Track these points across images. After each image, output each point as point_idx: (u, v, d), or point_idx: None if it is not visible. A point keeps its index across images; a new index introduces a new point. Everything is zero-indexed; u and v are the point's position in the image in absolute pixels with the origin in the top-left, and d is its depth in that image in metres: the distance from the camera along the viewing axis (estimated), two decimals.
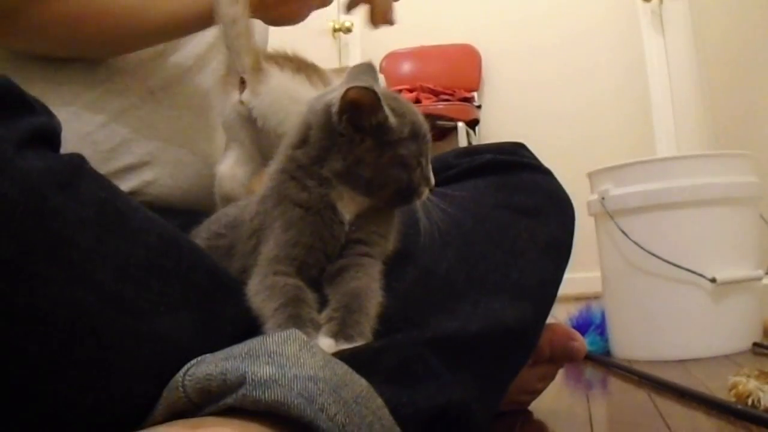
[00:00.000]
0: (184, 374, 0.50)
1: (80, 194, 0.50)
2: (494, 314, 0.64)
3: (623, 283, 1.43)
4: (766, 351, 1.30)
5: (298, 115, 0.62)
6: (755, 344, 1.34)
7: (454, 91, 3.18)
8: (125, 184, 0.77)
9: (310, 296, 0.56)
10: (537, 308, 0.70)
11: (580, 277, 1.37)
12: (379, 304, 0.57)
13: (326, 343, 0.53)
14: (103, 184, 0.54)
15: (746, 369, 0.92)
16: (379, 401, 0.51)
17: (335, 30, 3.09)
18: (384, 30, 0.92)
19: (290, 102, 0.73)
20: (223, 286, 0.59)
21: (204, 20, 0.77)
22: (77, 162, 0.52)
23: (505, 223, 0.71)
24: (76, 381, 0.48)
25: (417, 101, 3.02)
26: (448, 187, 0.67)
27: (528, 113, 3.24)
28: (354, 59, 3.02)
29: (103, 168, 0.73)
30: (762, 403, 0.84)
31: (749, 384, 0.86)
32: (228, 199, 0.77)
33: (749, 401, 0.85)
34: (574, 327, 1.33)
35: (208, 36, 0.86)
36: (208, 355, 0.51)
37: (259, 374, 0.47)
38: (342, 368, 0.50)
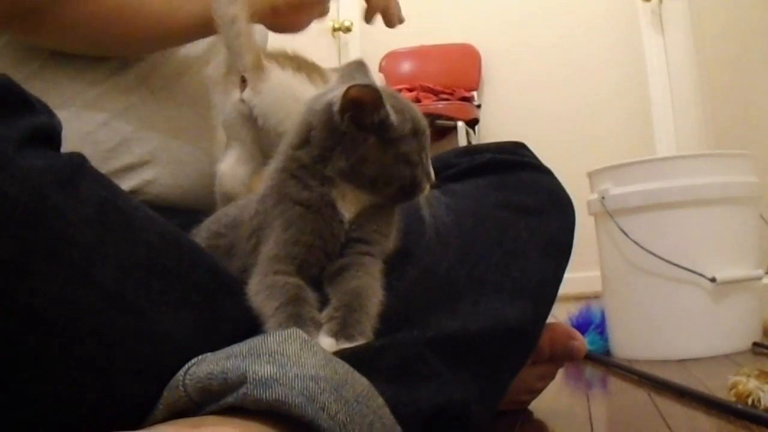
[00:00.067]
0: (185, 373, 0.50)
1: (81, 193, 0.50)
2: (495, 313, 0.64)
3: (623, 283, 1.43)
4: (765, 350, 1.30)
5: (296, 116, 0.62)
6: (755, 344, 1.34)
7: (454, 91, 3.18)
8: (126, 183, 0.77)
9: (311, 295, 0.56)
10: (537, 307, 0.70)
11: (579, 276, 1.37)
12: (380, 303, 0.57)
13: (327, 342, 0.53)
14: (103, 183, 0.54)
15: (746, 368, 0.92)
16: (380, 400, 0.51)
17: (335, 29, 3.09)
18: (384, 29, 0.92)
19: (291, 101, 0.73)
20: (223, 286, 0.59)
21: None
22: (78, 161, 0.52)
23: (505, 222, 0.71)
24: (77, 380, 0.48)
25: (417, 101, 3.01)
26: (448, 186, 0.68)
27: (528, 113, 3.23)
28: (354, 58, 3.02)
29: (103, 167, 0.73)
30: (762, 402, 0.84)
31: (749, 383, 0.86)
32: (228, 198, 0.77)
33: (749, 401, 0.85)
34: (574, 326, 1.33)
35: None
36: (208, 354, 0.51)
37: (260, 373, 0.47)
38: (343, 367, 0.50)
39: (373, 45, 3.10)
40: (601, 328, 1.50)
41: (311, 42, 0.98)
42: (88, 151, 0.55)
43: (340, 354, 0.52)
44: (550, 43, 3.26)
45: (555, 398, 1.04)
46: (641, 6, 2.89)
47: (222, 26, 0.75)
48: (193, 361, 0.51)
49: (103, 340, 0.49)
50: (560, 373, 1.01)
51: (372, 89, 0.55)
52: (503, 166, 0.76)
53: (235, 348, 0.50)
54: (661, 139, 2.84)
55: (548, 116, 3.20)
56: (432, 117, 2.96)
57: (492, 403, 0.67)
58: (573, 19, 3.25)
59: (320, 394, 0.47)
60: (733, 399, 0.87)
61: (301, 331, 0.51)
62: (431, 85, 3.16)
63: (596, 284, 1.55)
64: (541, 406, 0.97)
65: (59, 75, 0.77)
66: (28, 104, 0.51)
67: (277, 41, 0.88)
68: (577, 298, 1.78)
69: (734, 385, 0.88)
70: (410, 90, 3.09)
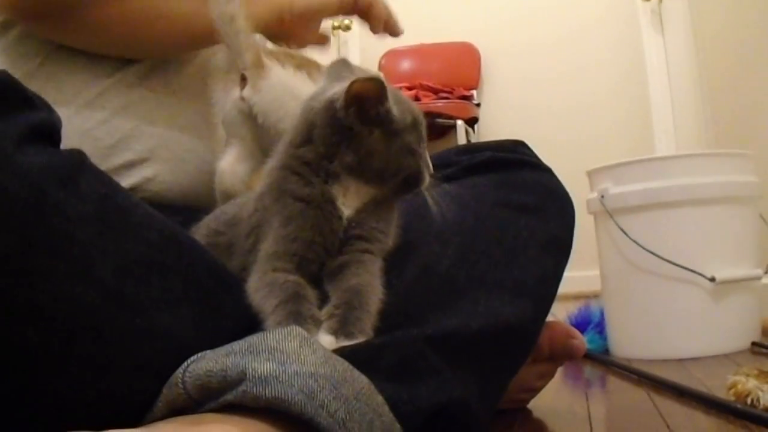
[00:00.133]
0: (184, 370, 0.50)
1: (80, 190, 0.50)
2: (494, 312, 0.64)
3: (622, 282, 1.43)
4: (765, 350, 1.30)
5: (294, 116, 0.62)
6: (754, 343, 1.34)
7: (454, 89, 3.18)
8: (125, 180, 0.77)
9: (310, 293, 0.56)
10: (537, 306, 0.70)
11: (579, 275, 1.37)
12: (380, 301, 0.57)
13: (327, 340, 0.53)
14: (103, 180, 0.54)
15: (745, 368, 0.92)
16: (380, 398, 0.51)
17: (334, 28, 3.09)
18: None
19: (291, 98, 0.73)
20: (223, 283, 0.59)
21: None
22: (77, 158, 0.52)
23: (505, 220, 0.71)
24: (76, 377, 0.48)
25: (416, 99, 3.01)
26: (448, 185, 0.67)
27: (527, 111, 3.23)
28: (353, 57, 3.02)
29: (103, 164, 0.73)
30: (761, 402, 0.84)
31: (748, 383, 0.86)
32: (228, 196, 0.77)
33: (748, 400, 0.85)
34: (574, 325, 1.33)
35: None
36: (208, 351, 0.51)
37: (259, 371, 0.47)
38: (342, 365, 0.50)
39: (372, 43, 3.09)
40: (601, 327, 1.50)
41: None
42: (87, 148, 0.55)
43: (340, 352, 0.52)
44: (549, 42, 3.26)
45: (554, 397, 1.04)
46: (641, 5, 2.89)
47: (221, 24, 0.75)
48: (192, 358, 0.50)
49: (103, 337, 0.49)
50: (559, 372, 1.01)
51: (376, 82, 0.55)
52: (503, 165, 0.76)
53: (235, 345, 0.50)
54: (660, 139, 2.84)
55: (548, 115, 3.20)
56: (431, 115, 2.97)
57: (491, 402, 0.67)
58: (573, 19, 3.25)
59: (319, 391, 0.47)
60: (732, 398, 0.87)
61: (300, 329, 0.51)
62: (431, 84, 3.16)
63: (595, 283, 1.55)
64: (540, 404, 0.97)
65: (59, 72, 0.77)
66: (27, 101, 0.51)
67: None
68: (577, 297, 1.78)
69: (733, 385, 0.88)
70: (410, 88, 3.08)
